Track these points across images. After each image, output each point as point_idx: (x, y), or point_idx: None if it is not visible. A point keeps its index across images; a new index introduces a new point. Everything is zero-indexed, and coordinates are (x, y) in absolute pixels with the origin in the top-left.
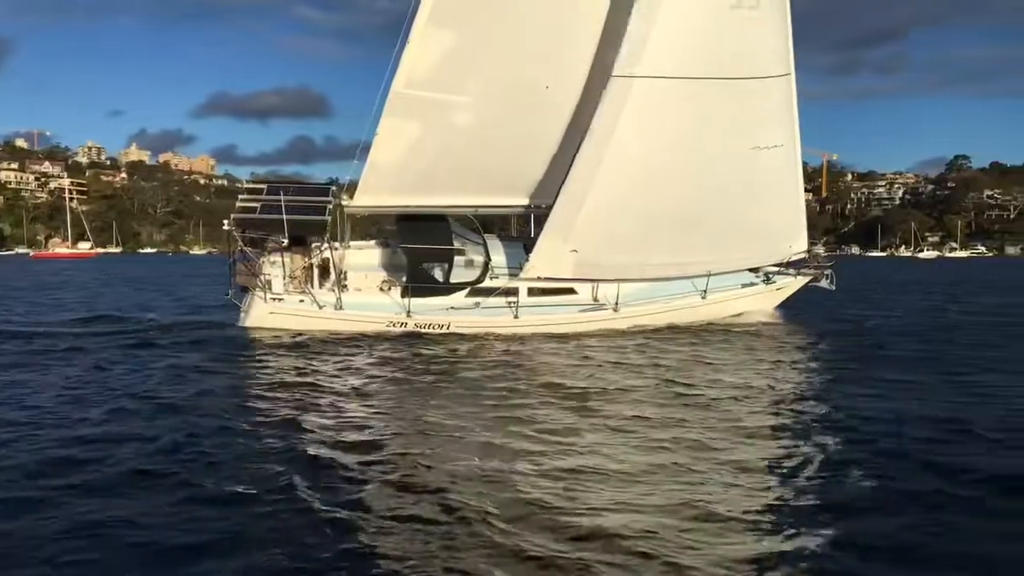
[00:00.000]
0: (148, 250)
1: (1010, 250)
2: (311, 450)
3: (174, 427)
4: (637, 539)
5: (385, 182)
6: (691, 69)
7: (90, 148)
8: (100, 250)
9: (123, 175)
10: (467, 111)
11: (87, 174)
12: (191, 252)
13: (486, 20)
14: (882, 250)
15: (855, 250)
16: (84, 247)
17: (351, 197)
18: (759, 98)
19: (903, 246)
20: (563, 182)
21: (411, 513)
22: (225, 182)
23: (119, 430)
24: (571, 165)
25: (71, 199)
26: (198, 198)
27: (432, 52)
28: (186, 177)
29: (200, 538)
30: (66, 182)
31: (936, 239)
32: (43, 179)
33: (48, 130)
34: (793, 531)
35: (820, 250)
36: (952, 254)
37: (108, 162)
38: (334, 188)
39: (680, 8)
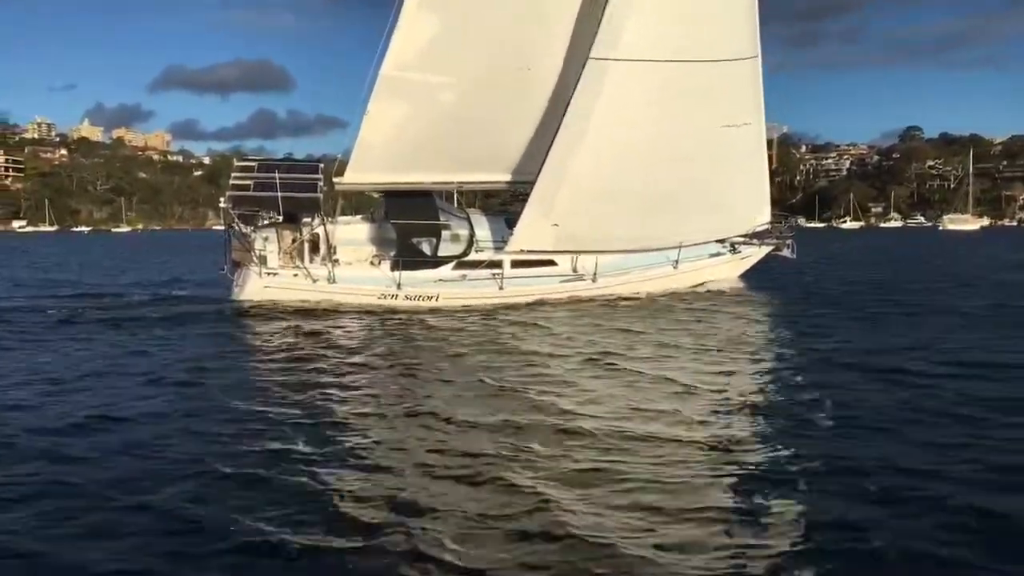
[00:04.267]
0: (83, 229)
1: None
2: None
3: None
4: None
5: (375, 160)
6: (667, 52)
7: (40, 124)
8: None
9: (63, 152)
10: (453, 92)
11: (26, 151)
12: (111, 231)
13: (471, 4)
14: (823, 221)
15: (801, 221)
16: (16, 226)
17: (339, 175)
18: (731, 79)
19: (846, 217)
20: (544, 159)
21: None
22: (180, 158)
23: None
24: (551, 144)
25: (6, 176)
26: (143, 175)
27: (420, 35)
28: (140, 153)
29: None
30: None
31: (879, 210)
32: None
33: None
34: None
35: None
36: (885, 224)
37: (57, 138)
38: (322, 165)
39: None
